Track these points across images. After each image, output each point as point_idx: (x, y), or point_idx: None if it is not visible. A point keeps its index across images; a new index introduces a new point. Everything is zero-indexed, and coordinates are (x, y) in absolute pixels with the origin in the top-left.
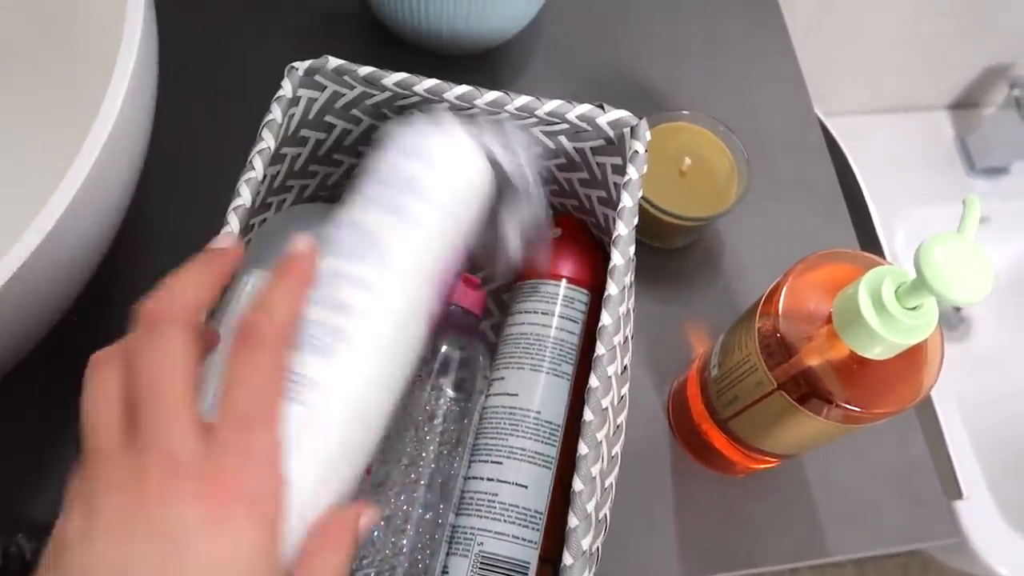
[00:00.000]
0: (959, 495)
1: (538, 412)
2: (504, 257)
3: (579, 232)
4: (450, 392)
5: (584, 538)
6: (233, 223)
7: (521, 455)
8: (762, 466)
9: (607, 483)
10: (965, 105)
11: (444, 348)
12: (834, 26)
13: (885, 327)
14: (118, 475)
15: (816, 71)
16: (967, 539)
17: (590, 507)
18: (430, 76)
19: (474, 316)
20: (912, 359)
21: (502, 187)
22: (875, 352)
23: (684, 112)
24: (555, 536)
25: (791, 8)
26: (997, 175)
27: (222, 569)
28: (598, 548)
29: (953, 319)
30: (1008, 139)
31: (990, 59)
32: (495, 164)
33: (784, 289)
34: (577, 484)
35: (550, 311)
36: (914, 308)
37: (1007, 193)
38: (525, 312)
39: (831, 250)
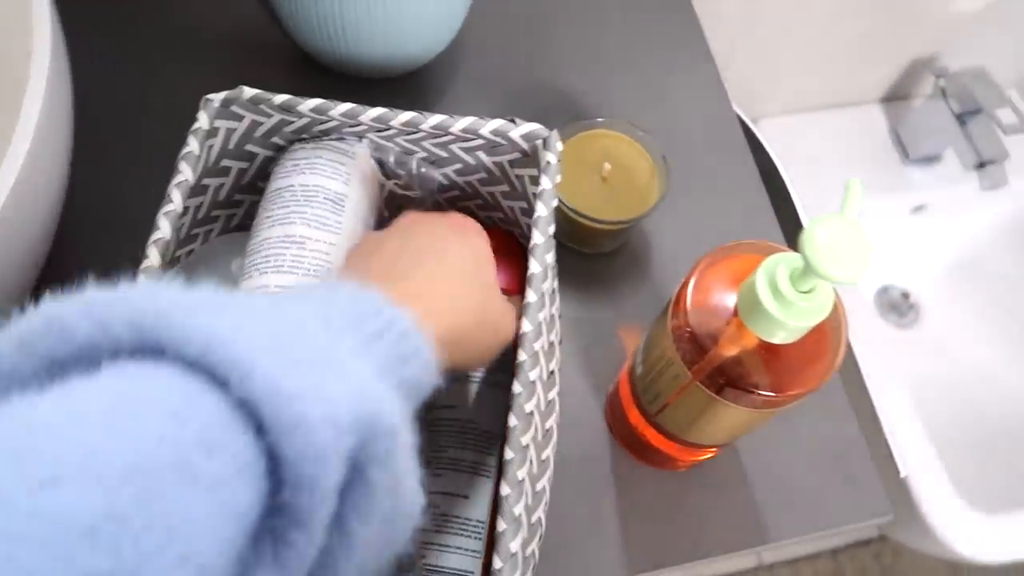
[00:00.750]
0: (897, 474)
1: (475, 423)
2: None
3: (507, 243)
4: None
5: (513, 541)
6: (153, 256)
7: (461, 466)
8: (700, 457)
9: (539, 487)
10: (895, 98)
11: None
12: (762, 32)
13: (784, 311)
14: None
15: (750, 76)
16: (927, 522)
17: (518, 510)
18: (355, 100)
19: None
20: (819, 339)
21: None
22: (780, 337)
23: (600, 119)
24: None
25: (718, 18)
26: (931, 163)
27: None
28: (534, 551)
29: (902, 306)
30: (938, 128)
31: (915, 52)
32: (394, 176)
33: (691, 286)
34: (504, 488)
35: None
36: (808, 291)
37: (942, 180)
38: None
39: (734, 243)
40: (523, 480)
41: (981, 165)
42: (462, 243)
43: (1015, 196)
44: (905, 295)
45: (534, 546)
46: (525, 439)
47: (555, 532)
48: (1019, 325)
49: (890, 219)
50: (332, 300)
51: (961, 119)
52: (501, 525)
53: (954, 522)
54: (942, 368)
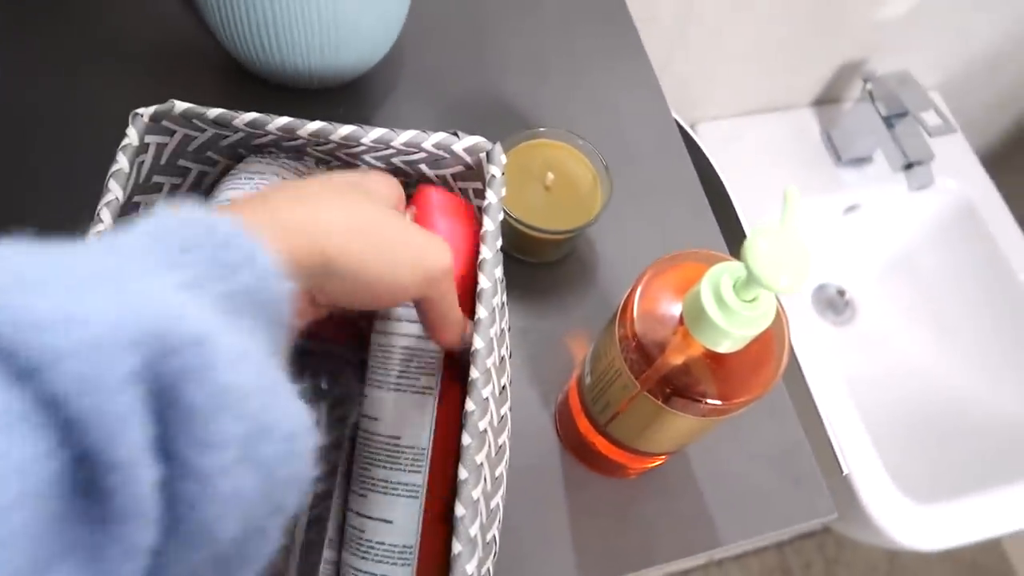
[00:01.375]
0: (840, 472)
1: (397, 437)
2: None
3: (453, 203)
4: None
5: (469, 563)
6: None
7: (383, 487)
8: (650, 464)
9: (492, 504)
10: (826, 101)
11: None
12: (697, 37)
13: (728, 321)
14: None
15: (688, 80)
16: (867, 514)
17: (473, 531)
18: (292, 111)
19: (337, 344)
20: (763, 347)
21: None
22: (725, 346)
23: (542, 129)
24: (433, 564)
25: (655, 23)
26: (862, 164)
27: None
28: (488, 570)
29: (838, 304)
30: (867, 130)
31: (843, 56)
32: None
33: (636, 296)
34: (459, 509)
35: (394, 315)
36: (752, 300)
37: (873, 180)
38: (380, 321)
39: (678, 252)
40: (478, 500)
41: (909, 166)
42: (349, 173)
43: (942, 195)
44: (841, 292)
45: (489, 565)
46: (479, 457)
47: (507, 544)
48: (948, 320)
49: (825, 219)
50: (131, 225)
51: (889, 121)
52: (456, 547)
53: (892, 513)
54: (878, 364)
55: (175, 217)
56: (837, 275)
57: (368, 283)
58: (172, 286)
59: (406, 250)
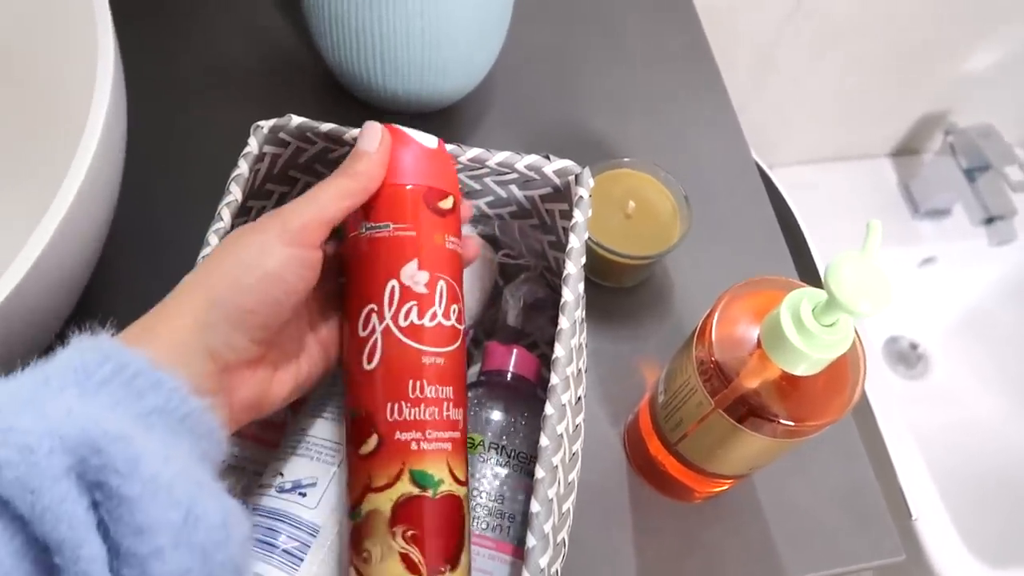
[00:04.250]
0: (909, 516)
1: None
2: (503, 323)
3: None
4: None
5: (542, 557)
6: None
7: None
8: (717, 489)
9: (564, 508)
10: (906, 152)
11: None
12: (775, 84)
13: (807, 344)
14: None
15: (765, 124)
16: (932, 567)
17: (547, 528)
18: None
19: (530, 383)
20: (838, 371)
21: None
22: (802, 368)
23: (626, 159)
24: None
25: (735, 68)
26: (940, 217)
27: None
28: (557, 570)
29: (911, 358)
30: (947, 183)
31: (924, 109)
32: (504, 250)
33: (715, 318)
34: (534, 506)
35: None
36: (831, 324)
37: (951, 234)
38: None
39: (756, 278)
40: (552, 499)
41: (989, 220)
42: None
43: (1022, 252)
44: (914, 346)
45: (558, 565)
46: (555, 459)
47: (573, 555)
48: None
49: (900, 270)
50: (55, 359)
51: (970, 175)
52: (531, 541)
53: (960, 570)
54: (949, 419)
55: (93, 353)
56: (910, 328)
57: (249, 317)
58: (95, 407)
59: (264, 264)
